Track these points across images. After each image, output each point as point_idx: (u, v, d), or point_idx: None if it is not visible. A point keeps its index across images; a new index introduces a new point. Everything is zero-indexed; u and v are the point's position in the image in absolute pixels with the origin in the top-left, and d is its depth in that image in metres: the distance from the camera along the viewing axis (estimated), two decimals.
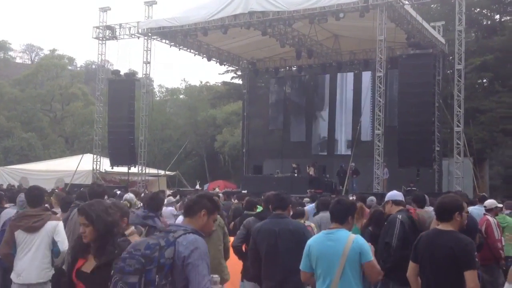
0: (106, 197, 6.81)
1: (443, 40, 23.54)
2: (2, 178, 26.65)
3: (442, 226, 4.10)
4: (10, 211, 6.70)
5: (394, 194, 6.03)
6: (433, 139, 20.73)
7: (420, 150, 19.58)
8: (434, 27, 23.23)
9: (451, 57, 23.80)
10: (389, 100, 22.79)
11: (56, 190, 12.12)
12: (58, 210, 6.68)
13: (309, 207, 9.96)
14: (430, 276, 4.02)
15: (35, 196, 5.46)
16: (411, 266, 4.22)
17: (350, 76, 27.24)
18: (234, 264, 5.99)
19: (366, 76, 25.90)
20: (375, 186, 18.97)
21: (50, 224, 5.21)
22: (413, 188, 18.05)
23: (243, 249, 5.74)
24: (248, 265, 5.55)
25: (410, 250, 4.52)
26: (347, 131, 26.18)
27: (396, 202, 5.88)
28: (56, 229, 5.23)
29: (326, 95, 27.61)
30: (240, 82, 36.40)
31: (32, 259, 5.11)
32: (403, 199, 6.03)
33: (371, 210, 7.58)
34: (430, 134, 20.20)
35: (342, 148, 26.41)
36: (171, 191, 18.32)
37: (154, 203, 6.06)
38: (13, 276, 5.19)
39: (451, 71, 22.87)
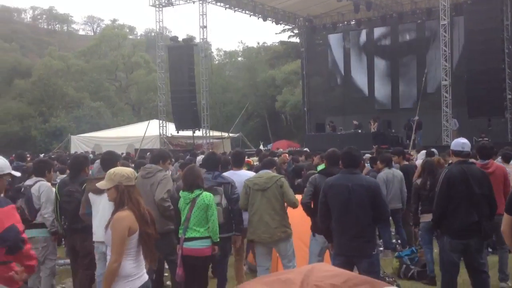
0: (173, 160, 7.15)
1: None
2: (76, 146, 28.05)
3: None
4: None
5: (453, 143, 5.61)
6: (504, 86, 19.73)
7: (491, 99, 18.81)
8: None
9: None
10: (455, 49, 21.83)
11: (131, 156, 12.72)
12: None
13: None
14: None
15: (107, 161, 5.89)
16: (509, 219, 3.97)
17: (412, 26, 26.21)
18: (302, 221, 6.10)
19: (430, 25, 24.83)
20: (444, 138, 18.48)
21: None
22: (484, 139, 17.41)
23: (312, 205, 5.83)
24: (317, 220, 5.64)
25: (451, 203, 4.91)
26: (412, 84, 25.38)
27: (454, 153, 5.52)
28: None
29: (387, 48, 26.78)
30: (297, 40, 35.94)
31: (100, 219, 5.42)
32: (463, 149, 5.42)
33: (423, 161, 7.67)
34: (500, 82, 19.28)
35: (407, 102, 25.67)
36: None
37: (211, 163, 6.27)
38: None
39: None
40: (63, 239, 7.27)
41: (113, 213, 3.76)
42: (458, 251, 5.27)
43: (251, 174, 6.65)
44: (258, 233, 5.92)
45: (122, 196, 3.70)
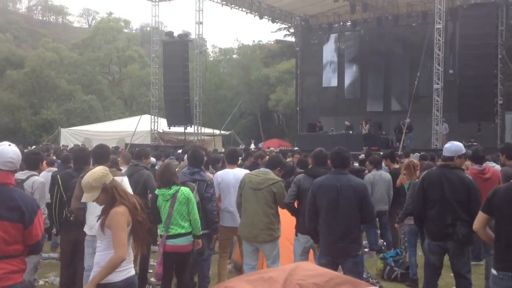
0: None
1: None
2: (66, 139, 27.85)
3: None
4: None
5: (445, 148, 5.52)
6: (495, 92, 19.83)
7: (482, 104, 18.93)
8: None
9: None
10: (448, 53, 21.92)
11: (121, 150, 12.59)
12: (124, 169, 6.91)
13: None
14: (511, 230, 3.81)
15: (100, 154, 5.67)
16: (482, 217, 4.02)
17: (407, 29, 26.25)
18: (288, 219, 6.07)
19: (425, 28, 24.86)
20: (434, 142, 18.56)
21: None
22: (473, 144, 17.49)
23: (295, 205, 5.79)
24: (301, 220, 5.59)
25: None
26: (404, 87, 25.45)
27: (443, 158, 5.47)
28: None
29: (381, 50, 26.82)
30: (293, 39, 35.94)
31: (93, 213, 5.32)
32: (444, 154, 5.41)
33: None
34: (492, 87, 19.38)
35: (398, 104, 25.75)
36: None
37: (196, 160, 6.21)
38: (86, 228, 5.47)
39: None
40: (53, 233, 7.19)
41: (106, 210, 3.65)
42: (437, 253, 5.25)
43: (245, 172, 6.56)
44: (245, 231, 5.91)
45: (113, 194, 3.64)
